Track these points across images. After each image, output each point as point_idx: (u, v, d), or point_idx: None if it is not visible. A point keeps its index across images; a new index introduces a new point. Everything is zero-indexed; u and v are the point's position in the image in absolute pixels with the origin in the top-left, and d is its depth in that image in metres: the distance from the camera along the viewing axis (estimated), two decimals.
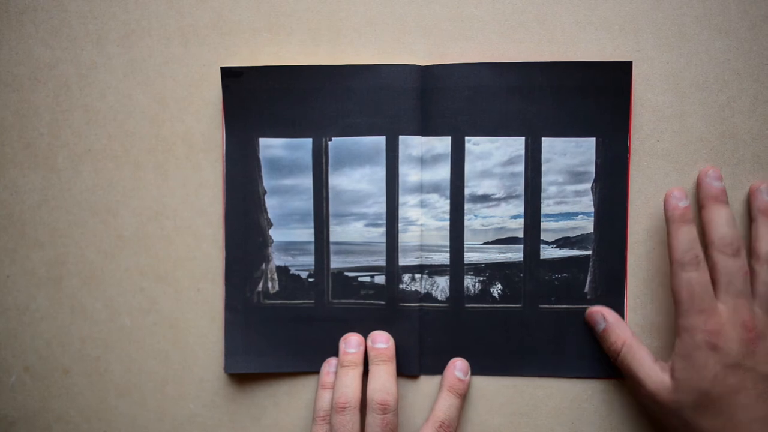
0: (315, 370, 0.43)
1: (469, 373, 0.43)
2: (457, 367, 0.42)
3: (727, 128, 0.42)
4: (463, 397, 0.42)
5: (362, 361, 0.42)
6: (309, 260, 0.43)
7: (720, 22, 0.42)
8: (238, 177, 0.43)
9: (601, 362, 0.42)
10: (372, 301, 0.43)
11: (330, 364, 0.43)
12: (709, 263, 0.38)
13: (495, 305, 0.43)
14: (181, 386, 0.45)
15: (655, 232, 0.43)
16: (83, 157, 0.44)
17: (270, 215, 0.43)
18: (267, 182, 0.43)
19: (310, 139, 0.43)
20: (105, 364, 0.45)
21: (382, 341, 0.42)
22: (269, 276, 0.44)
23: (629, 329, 0.41)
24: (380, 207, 0.43)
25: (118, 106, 0.44)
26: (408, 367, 0.43)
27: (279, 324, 0.43)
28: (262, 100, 0.43)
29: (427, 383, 0.44)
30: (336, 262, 0.43)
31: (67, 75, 0.44)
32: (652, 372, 0.39)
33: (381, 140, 0.42)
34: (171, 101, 0.44)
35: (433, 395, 0.43)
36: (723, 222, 0.38)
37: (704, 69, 0.42)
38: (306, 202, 0.43)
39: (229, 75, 0.42)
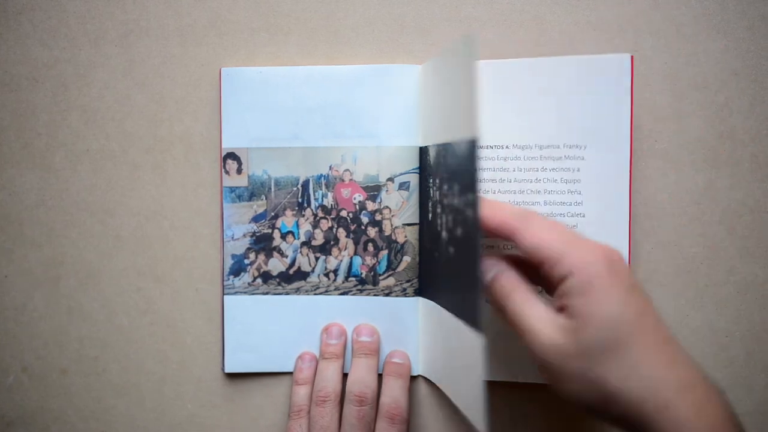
0: None
1: (407, 357, 0.42)
2: (394, 355, 0.42)
3: (726, 128, 0.42)
4: (405, 377, 0.41)
5: (343, 352, 0.42)
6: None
7: (718, 22, 0.42)
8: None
9: None
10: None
11: (303, 360, 0.43)
12: None
13: None
14: (179, 386, 0.44)
15: (654, 232, 0.43)
16: (81, 157, 0.44)
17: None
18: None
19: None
20: (103, 364, 0.45)
21: (366, 334, 0.42)
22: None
23: (522, 280, 0.34)
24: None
25: (116, 106, 0.44)
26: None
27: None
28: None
29: (426, 383, 0.44)
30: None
31: (65, 75, 0.44)
32: (546, 317, 0.32)
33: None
34: (169, 101, 0.44)
35: (432, 395, 0.43)
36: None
37: (702, 69, 0.42)
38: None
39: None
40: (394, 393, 0.40)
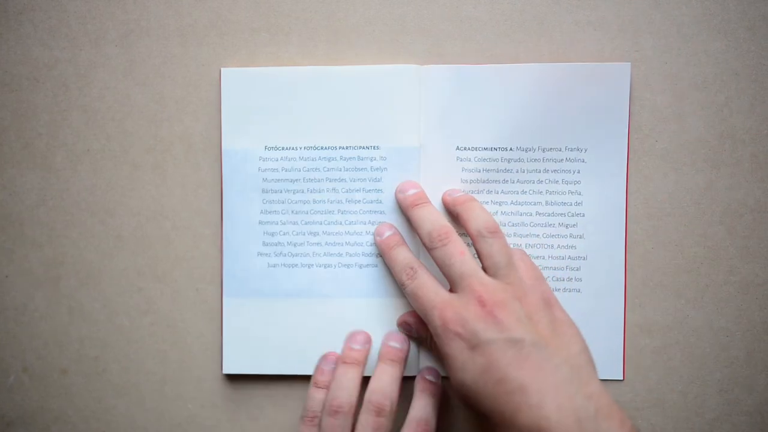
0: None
1: (439, 376, 0.41)
2: (427, 371, 0.41)
3: (726, 128, 0.42)
4: (437, 397, 0.40)
5: (365, 361, 0.40)
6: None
7: (719, 22, 0.42)
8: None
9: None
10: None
11: (327, 361, 0.41)
12: (434, 260, 0.38)
13: None
14: (179, 386, 0.44)
15: (654, 232, 0.43)
16: (82, 157, 0.44)
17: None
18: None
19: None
20: (103, 364, 0.45)
21: (397, 341, 0.40)
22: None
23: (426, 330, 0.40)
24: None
25: (116, 106, 0.44)
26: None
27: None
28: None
29: None
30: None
31: (65, 75, 0.44)
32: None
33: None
34: (169, 101, 0.44)
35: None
36: (426, 219, 0.39)
37: (703, 69, 0.42)
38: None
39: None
40: (383, 381, 0.38)
